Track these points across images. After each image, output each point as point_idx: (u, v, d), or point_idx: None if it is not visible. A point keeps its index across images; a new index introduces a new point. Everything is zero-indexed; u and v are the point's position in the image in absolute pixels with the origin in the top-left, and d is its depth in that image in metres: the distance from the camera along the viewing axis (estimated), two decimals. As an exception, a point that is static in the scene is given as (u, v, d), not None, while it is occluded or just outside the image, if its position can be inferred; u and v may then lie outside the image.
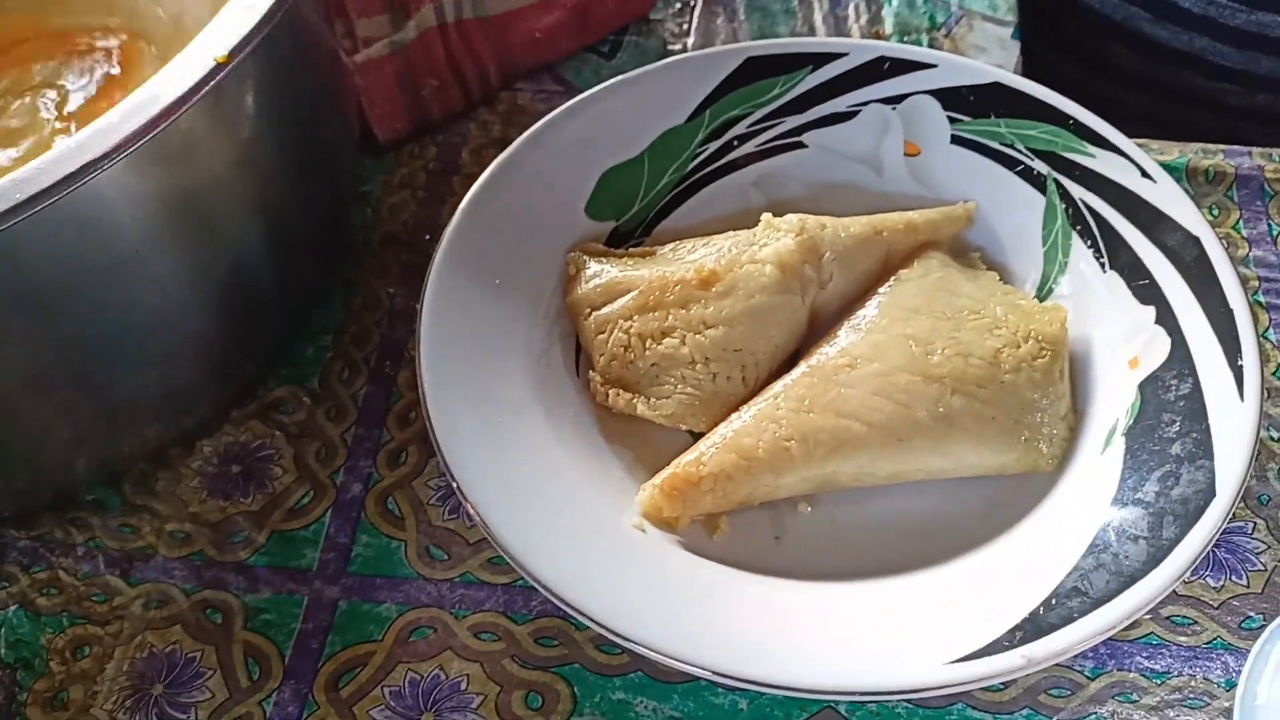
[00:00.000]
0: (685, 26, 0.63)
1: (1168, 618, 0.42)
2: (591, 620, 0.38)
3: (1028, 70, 0.56)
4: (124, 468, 0.47)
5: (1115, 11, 0.63)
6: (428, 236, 0.55)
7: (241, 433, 0.49)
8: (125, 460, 0.47)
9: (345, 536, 0.46)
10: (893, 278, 0.46)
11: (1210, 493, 0.39)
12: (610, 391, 0.45)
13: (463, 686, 0.42)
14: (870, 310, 0.45)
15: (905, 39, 0.61)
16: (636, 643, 0.37)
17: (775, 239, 0.47)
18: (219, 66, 0.38)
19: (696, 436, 0.44)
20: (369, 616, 0.44)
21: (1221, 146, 0.54)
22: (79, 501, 0.47)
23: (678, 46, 0.62)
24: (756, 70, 0.52)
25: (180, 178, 0.41)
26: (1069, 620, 0.36)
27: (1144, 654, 0.41)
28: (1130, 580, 0.37)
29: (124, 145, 0.36)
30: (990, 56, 0.59)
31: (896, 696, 0.37)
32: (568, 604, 0.38)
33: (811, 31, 0.61)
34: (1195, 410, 0.41)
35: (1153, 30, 0.60)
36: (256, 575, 0.45)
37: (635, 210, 0.51)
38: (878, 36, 0.61)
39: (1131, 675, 0.41)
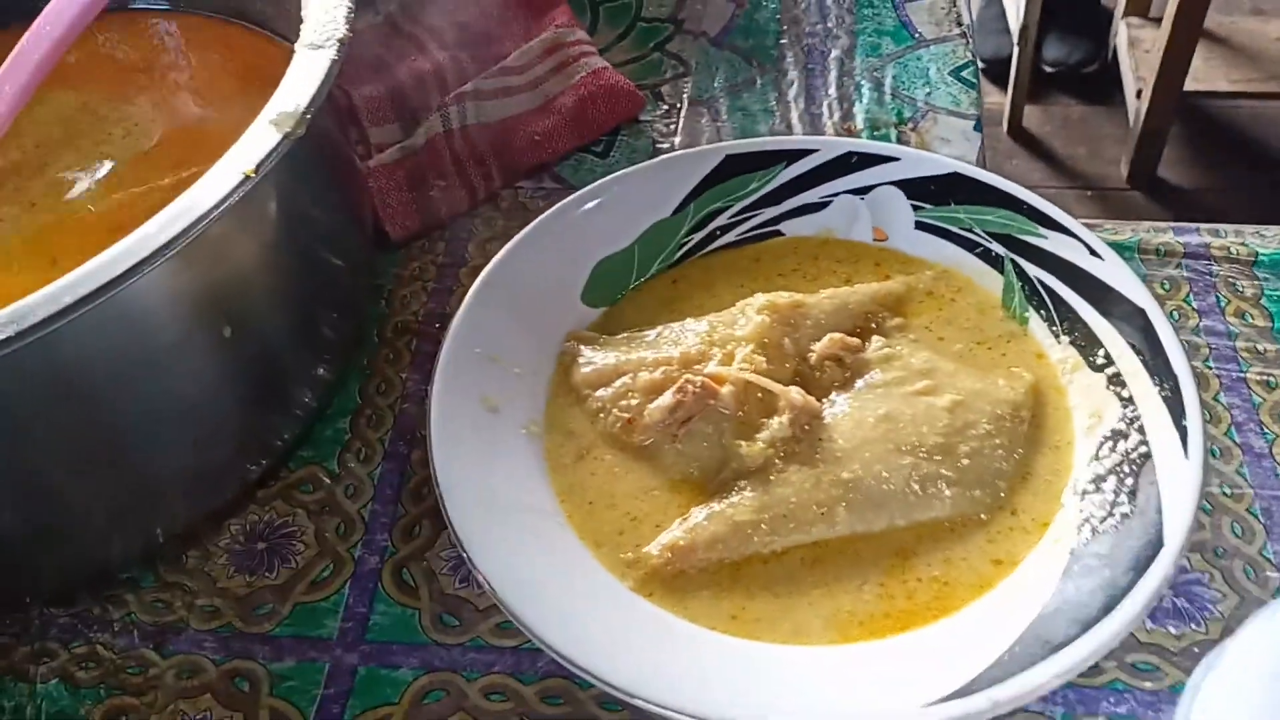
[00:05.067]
0: (672, 126, 0.68)
1: (1132, 664, 0.45)
2: (593, 676, 0.41)
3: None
4: (157, 547, 0.51)
5: None
6: (437, 325, 0.59)
7: (266, 511, 0.52)
8: (158, 540, 0.50)
9: (363, 606, 0.49)
10: (871, 353, 0.50)
11: (1159, 543, 0.42)
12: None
13: (475, 744, 0.45)
14: (850, 393, 0.49)
15: (875, 133, 0.66)
16: (637, 697, 0.40)
17: (752, 318, 0.51)
18: (247, 179, 0.43)
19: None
20: (386, 681, 0.46)
21: (1171, 224, 0.58)
22: (115, 579, 0.50)
23: (666, 145, 0.67)
24: (735, 167, 0.57)
25: (213, 276, 0.45)
26: (1032, 664, 0.39)
27: (1110, 699, 0.44)
28: (1087, 626, 0.40)
29: (165, 249, 0.40)
30: (954, 148, 0.64)
31: (875, 738, 0.39)
32: (571, 662, 0.41)
33: (789, 128, 0.66)
34: (1145, 468, 0.45)
35: None
36: (281, 645, 0.48)
37: (628, 294, 0.56)
38: (849, 131, 0.65)
39: (1099, 719, 0.43)
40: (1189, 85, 1.70)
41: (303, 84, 0.46)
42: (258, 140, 0.44)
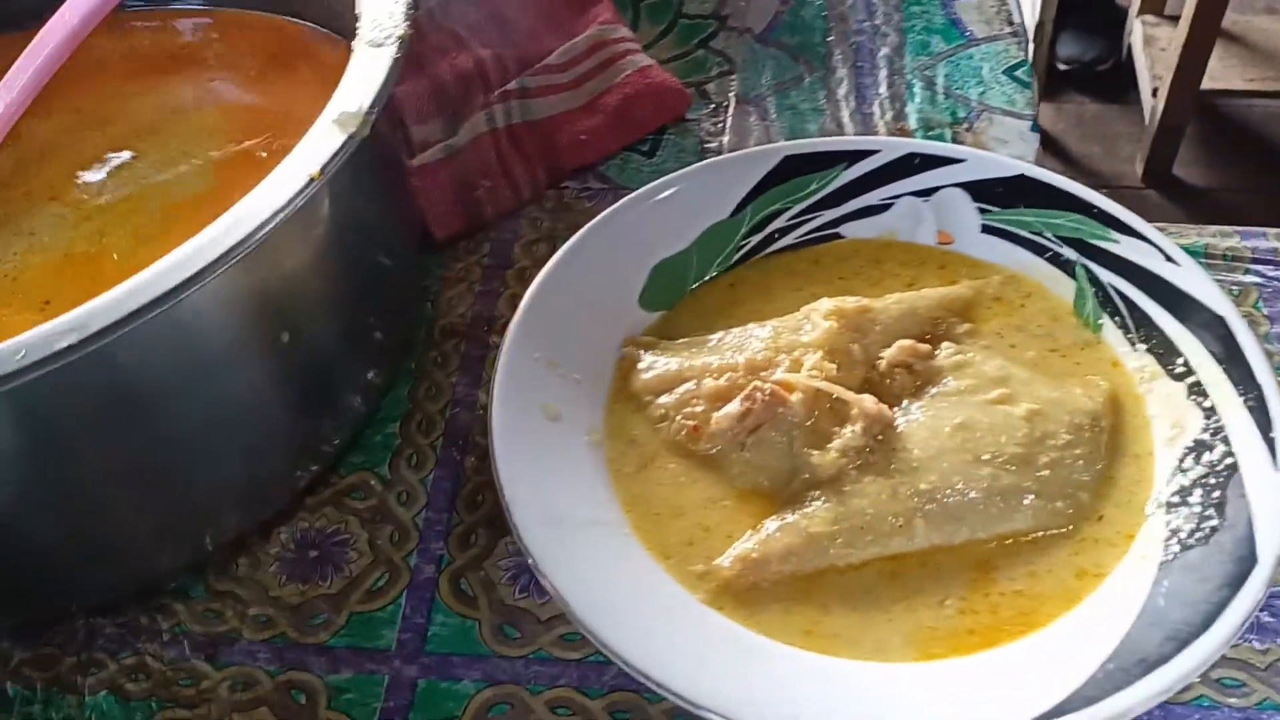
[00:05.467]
0: (720, 125, 0.67)
1: (1218, 680, 0.44)
2: (667, 690, 0.40)
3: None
4: (206, 555, 0.49)
5: None
6: (485, 328, 0.57)
7: (317, 518, 0.51)
8: (208, 548, 0.49)
9: (421, 617, 0.47)
10: (942, 360, 0.49)
11: (1252, 559, 0.41)
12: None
13: (542, 761, 0.43)
14: (922, 401, 0.48)
15: (929, 133, 0.64)
16: (714, 712, 0.39)
17: (819, 324, 0.50)
18: (313, 181, 0.41)
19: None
20: (448, 694, 0.45)
21: (1237, 229, 0.57)
22: (164, 589, 0.49)
23: (713, 145, 0.65)
24: (794, 168, 0.56)
25: (273, 281, 0.44)
26: (1129, 682, 0.38)
27: (1197, 716, 0.43)
28: (1184, 643, 0.39)
29: (232, 252, 0.39)
30: (1011, 148, 0.63)
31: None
32: (645, 675, 0.40)
33: (840, 128, 0.65)
34: (1232, 481, 0.43)
35: None
36: (337, 656, 0.47)
37: (685, 299, 0.54)
38: (902, 132, 0.64)
39: (1186, 737, 0.43)
40: (1204, 84, 1.69)
41: (365, 83, 0.45)
42: (321, 141, 0.43)
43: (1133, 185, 1.81)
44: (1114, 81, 1.93)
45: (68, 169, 0.53)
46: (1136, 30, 1.84)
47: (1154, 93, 1.73)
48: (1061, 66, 1.94)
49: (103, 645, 0.47)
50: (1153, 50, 1.79)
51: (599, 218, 0.54)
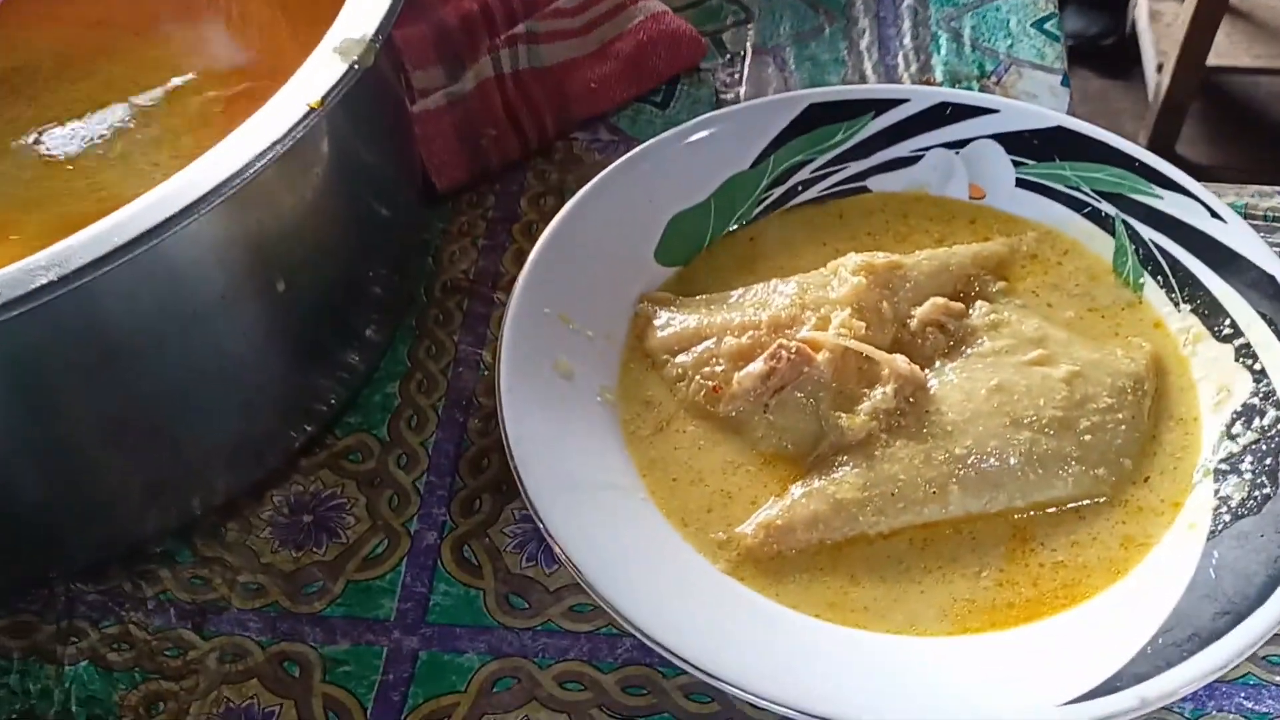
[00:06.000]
0: (736, 76, 0.64)
1: (1264, 658, 0.42)
2: (689, 663, 0.37)
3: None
4: (194, 519, 0.47)
5: None
6: (490, 284, 0.55)
7: (311, 482, 0.48)
8: (195, 511, 0.46)
9: (422, 586, 0.45)
10: (976, 320, 0.47)
11: (1310, 527, 0.38)
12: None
13: (552, 737, 0.41)
14: (956, 362, 0.45)
15: (956, 87, 0.62)
16: (737, 686, 0.37)
17: (846, 280, 0.47)
18: (312, 111, 0.38)
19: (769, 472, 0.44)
20: (451, 667, 0.43)
21: (1278, 189, 0.55)
22: (148, 554, 0.46)
23: (729, 96, 0.63)
24: (818, 117, 0.53)
25: (264, 221, 0.41)
26: (1181, 659, 0.36)
27: (1243, 694, 0.41)
28: (1240, 616, 0.37)
29: (224, 186, 0.36)
30: (1041, 103, 0.60)
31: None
32: (664, 648, 0.38)
33: (862, 80, 0.62)
34: (1285, 446, 0.41)
35: None
36: (333, 626, 0.44)
37: (702, 254, 0.52)
38: (929, 84, 0.61)
39: (1233, 717, 0.40)
40: (1209, 60, 1.67)
41: (369, 10, 0.41)
42: (322, 70, 0.39)
43: (1135, 162, 1.78)
44: (1118, 57, 1.91)
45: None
46: (1142, 5, 1.81)
47: (1159, 69, 1.71)
48: (1065, 41, 1.92)
49: (84, 613, 0.45)
50: (1158, 26, 1.77)
51: (613, 166, 0.51)
